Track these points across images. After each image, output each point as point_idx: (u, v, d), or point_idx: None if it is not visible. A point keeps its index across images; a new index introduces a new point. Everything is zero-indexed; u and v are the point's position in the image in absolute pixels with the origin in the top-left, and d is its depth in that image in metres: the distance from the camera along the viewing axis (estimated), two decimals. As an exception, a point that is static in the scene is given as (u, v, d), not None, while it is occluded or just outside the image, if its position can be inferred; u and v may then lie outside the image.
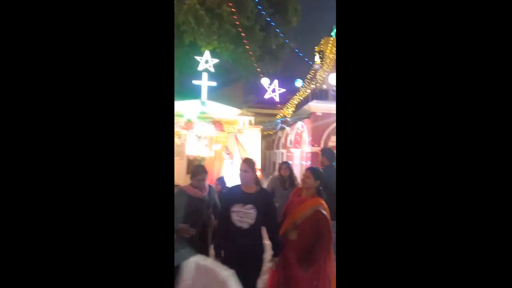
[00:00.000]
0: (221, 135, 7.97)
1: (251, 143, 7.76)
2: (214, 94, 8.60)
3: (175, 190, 1.96)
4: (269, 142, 18.04)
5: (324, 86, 11.43)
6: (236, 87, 10.83)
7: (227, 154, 7.60)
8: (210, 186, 2.26)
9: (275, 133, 15.83)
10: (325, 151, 3.44)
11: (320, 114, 9.92)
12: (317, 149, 9.79)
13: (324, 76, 11.65)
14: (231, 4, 8.65)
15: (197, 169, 2.17)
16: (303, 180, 1.81)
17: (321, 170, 1.93)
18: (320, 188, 1.79)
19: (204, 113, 7.56)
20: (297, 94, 15.20)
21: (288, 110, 15.12)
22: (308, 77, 15.27)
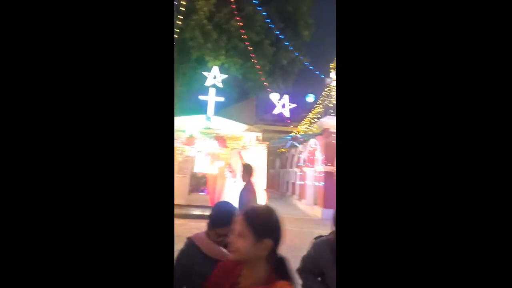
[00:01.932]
0: (225, 151, 7.55)
1: (256, 161, 7.23)
2: (225, 110, 8.33)
3: (185, 242, 1.16)
4: (283, 160, 17.43)
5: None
6: (248, 102, 10.54)
7: (230, 172, 7.09)
8: None
9: (289, 151, 15.24)
10: (245, 166, 3.16)
11: (333, 130, 9.21)
12: (331, 168, 8.99)
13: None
14: (238, 19, 8.54)
15: (218, 215, 1.12)
16: (232, 242, 0.79)
17: (272, 217, 0.81)
18: (280, 256, 0.80)
19: (209, 128, 7.25)
20: (312, 111, 14.70)
21: (302, 127, 14.56)
22: (324, 94, 14.77)
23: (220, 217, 1.10)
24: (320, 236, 1.33)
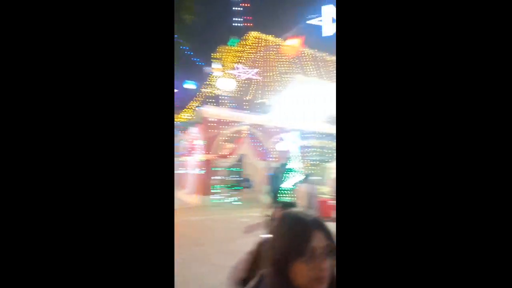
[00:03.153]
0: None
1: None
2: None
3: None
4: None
5: (217, 92, 11.17)
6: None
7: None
8: None
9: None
10: None
11: (213, 119, 9.51)
12: (210, 156, 9.28)
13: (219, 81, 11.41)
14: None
15: None
16: None
17: None
18: None
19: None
20: (197, 99, 14.53)
21: (186, 116, 14.20)
22: (208, 82, 14.88)
23: None
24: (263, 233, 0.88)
